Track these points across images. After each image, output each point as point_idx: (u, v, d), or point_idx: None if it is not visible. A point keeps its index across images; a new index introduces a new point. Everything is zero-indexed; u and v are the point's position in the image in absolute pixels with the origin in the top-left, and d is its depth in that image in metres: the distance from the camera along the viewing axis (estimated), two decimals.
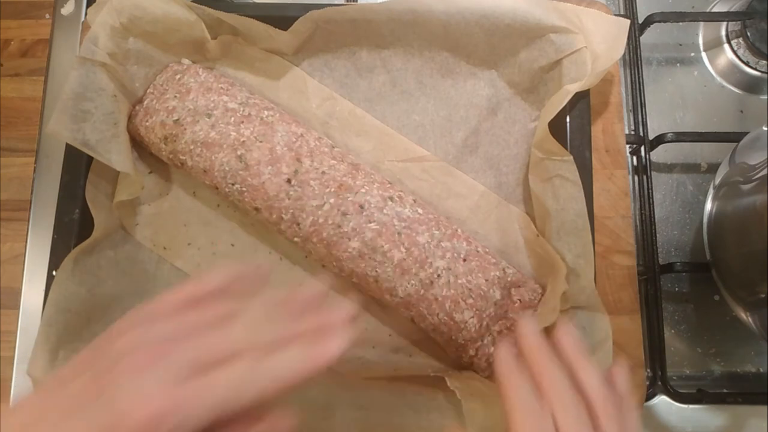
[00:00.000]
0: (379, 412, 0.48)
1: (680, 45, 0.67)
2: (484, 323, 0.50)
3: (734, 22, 0.64)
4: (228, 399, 0.31)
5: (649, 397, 0.57)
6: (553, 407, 0.34)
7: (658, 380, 0.57)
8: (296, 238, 0.53)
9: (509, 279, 0.52)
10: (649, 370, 0.58)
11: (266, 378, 0.32)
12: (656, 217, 0.60)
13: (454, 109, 0.59)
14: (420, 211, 0.53)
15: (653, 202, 0.60)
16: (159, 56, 0.57)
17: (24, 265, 0.61)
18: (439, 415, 0.48)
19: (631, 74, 0.63)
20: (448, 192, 0.58)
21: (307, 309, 0.36)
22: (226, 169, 0.53)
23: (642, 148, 0.61)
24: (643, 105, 0.62)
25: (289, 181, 0.52)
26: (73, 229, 0.54)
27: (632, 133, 0.63)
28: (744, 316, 0.53)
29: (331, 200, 0.52)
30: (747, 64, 0.65)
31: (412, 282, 0.50)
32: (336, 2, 0.59)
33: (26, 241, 0.62)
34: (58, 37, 0.67)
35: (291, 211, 0.52)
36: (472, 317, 0.50)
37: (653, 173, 0.61)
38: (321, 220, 0.51)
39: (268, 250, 0.57)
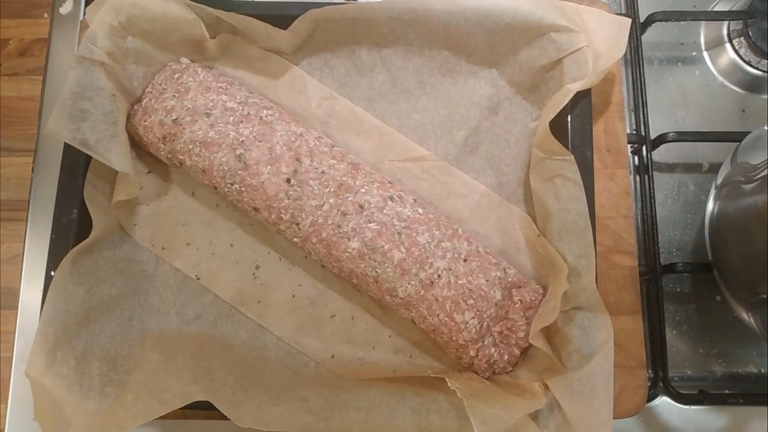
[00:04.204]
0: (379, 413, 0.48)
1: (682, 44, 0.67)
2: (485, 324, 0.50)
3: (736, 22, 0.64)
4: None
5: (651, 398, 0.57)
6: None
7: (659, 381, 0.57)
8: (296, 238, 0.53)
9: (510, 279, 0.52)
10: (650, 371, 0.57)
11: None
12: (658, 217, 0.60)
13: (454, 109, 0.59)
14: (420, 211, 0.53)
15: (655, 202, 0.60)
16: (158, 55, 0.57)
17: (22, 265, 0.61)
18: (439, 416, 0.48)
19: (632, 73, 0.63)
20: (449, 192, 0.57)
21: None
22: (225, 168, 0.52)
23: (643, 148, 0.61)
24: (644, 104, 0.61)
25: (288, 180, 0.52)
26: (71, 229, 0.53)
27: (634, 132, 0.63)
28: (746, 316, 0.53)
29: (331, 200, 0.51)
30: (749, 63, 0.64)
31: (413, 282, 0.50)
32: (336, 1, 0.59)
33: (24, 242, 0.61)
34: (56, 36, 0.67)
35: (290, 211, 0.52)
36: (473, 318, 0.49)
37: (655, 173, 0.61)
38: (320, 220, 0.51)
39: (267, 250, 0.57)
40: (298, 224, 0.52)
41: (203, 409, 0.48)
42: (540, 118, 0.55)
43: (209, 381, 0.48)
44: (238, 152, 0.52)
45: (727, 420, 0.58)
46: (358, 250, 0.50)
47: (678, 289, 0.61)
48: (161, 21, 0.55)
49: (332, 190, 0.52)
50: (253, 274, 0.56)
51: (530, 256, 0.55)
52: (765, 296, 0.48)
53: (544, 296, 0.52)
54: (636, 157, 0.63)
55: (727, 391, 0.58)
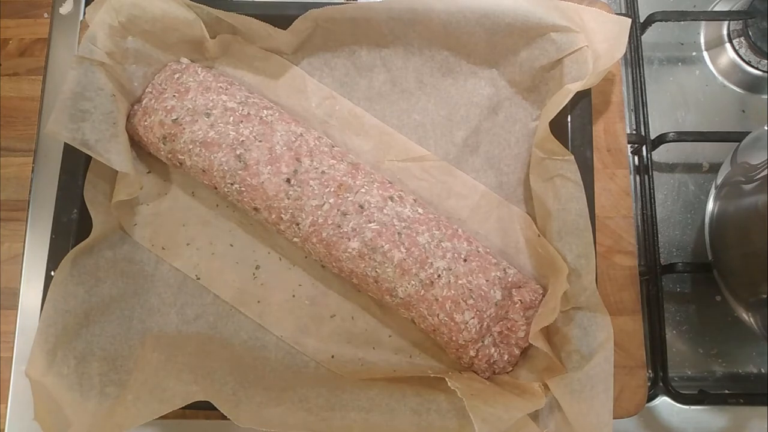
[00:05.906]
0: (378, 413, 0.48)
1: (682, 44, 0.67)
2: (485, 324, 0.50)
3: (736, 22, 0.64)
4: None
5: (651, 398, 0.57)
6: None
7: (659, 381, 0.57)
8: (296, 238, 0.53)
9: (510, 279, 0.52)
10: (650, 371, 0.57)
11: None
12: (658, 217, 0.60)
13: (454, 109, 0.59)
14: (420, 211, 0.53)
15: (655, 202, 0.60)
16: (158, 55, 0.57)
17: (22, 265, 0.61)
18: (439, 416, 0.48)
19: (632, 73, 0.63)
20: (449, 192, 0.57)
21: None
22: (225, 168, 0.52)
23: (643, 148, 0.61)
24: (644, 104, 0.61)
25: (288, 180, 0.52)
26: (71, 229, 0.53)
27: (634, 132, 0.63)
28: (745, 316, 0.53)
29: (331, 200, 0.51)
30: (749, 63, 0.64)
31: (413, 282, 0.50)
32: (336, 1, 0.59)
33: (24, 242, 0.61)
34: (56, 36, 0.67)
35: (290, 211, 0.52)
36: (473, 318, 0.49)
37: (655, 173, 0.61)
38: (320, 220, 0.51)
39: (267, 251, 0.57)
40: (298, 224, 0.52)
41: (203, 409, 0.48)
42: (540, 118, 0.55)
43: (209, 381, 0.48)
44: (238, 152, 0.52)
45: (727, 420, 0.58)
46: (358, 250, 0.50)
47: (678, 289, 0.61)
48: (161, 21, 0.55)
49: (332, 190, 0.52)
50: (253, 274, 0.56)
51: (530, 256, 0.55)
52: (765, 296, 0.48)
53: (544, 296, 0.52)
54: (636, 157, 0.63)
55: (727, 391, 0.58)
